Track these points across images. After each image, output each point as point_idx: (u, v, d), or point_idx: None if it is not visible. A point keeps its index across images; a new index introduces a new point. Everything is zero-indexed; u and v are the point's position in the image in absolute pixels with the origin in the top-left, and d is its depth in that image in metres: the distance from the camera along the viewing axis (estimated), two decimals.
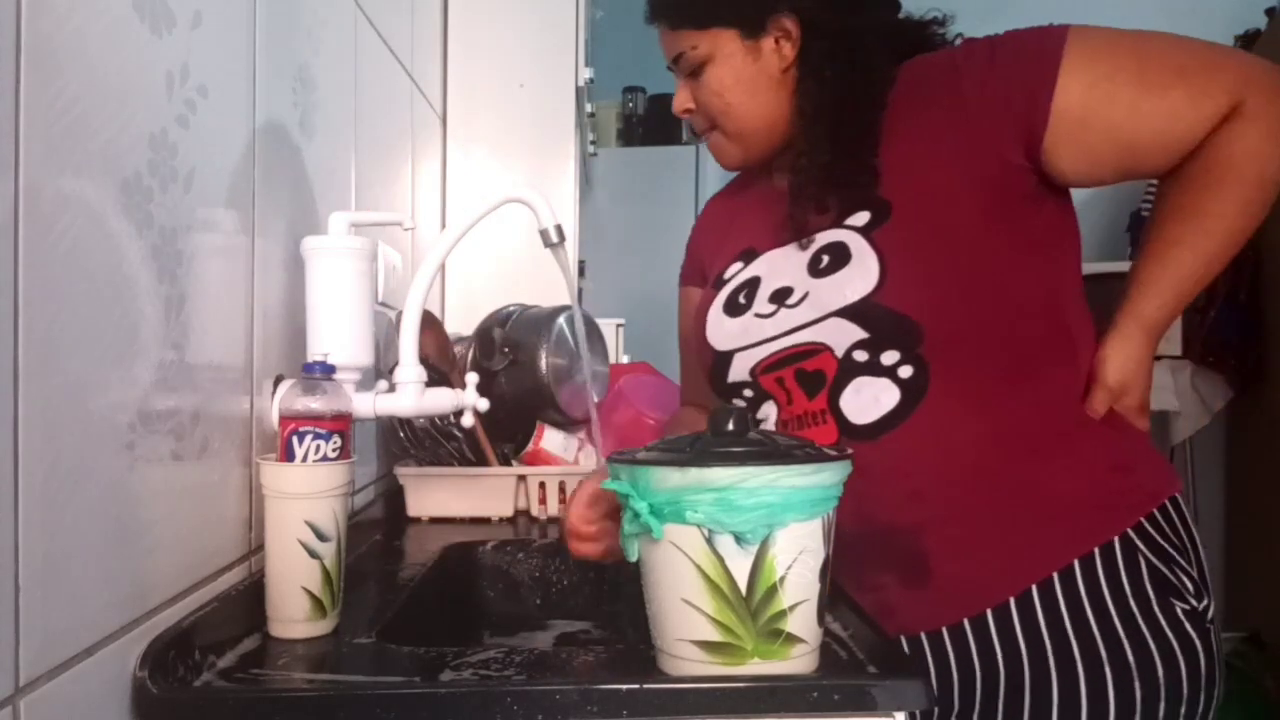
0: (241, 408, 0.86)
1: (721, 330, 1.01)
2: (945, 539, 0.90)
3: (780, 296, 0.96)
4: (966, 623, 0.90)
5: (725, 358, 1.00)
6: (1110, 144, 0.88)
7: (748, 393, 0.99)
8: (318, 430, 0.80)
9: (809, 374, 0.93)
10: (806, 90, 0.96)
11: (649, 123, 3.22)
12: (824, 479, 0.67)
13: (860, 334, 0.90)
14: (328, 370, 0.84)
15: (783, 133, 1.00)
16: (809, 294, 0.93)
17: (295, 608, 0.80)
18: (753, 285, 1.00)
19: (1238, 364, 2.70)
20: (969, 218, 0.89)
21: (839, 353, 0.91)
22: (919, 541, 0.90)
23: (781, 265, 0.98)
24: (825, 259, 0.93)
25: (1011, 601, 0.88)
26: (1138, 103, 0.86)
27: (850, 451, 0.70)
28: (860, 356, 0.90)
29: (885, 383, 0.90)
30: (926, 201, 0.91)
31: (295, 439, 0.80)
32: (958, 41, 1.00)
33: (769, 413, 0.98)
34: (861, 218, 0.92)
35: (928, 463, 0.89)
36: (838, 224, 0.94)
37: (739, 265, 1.04)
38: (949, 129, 0.91)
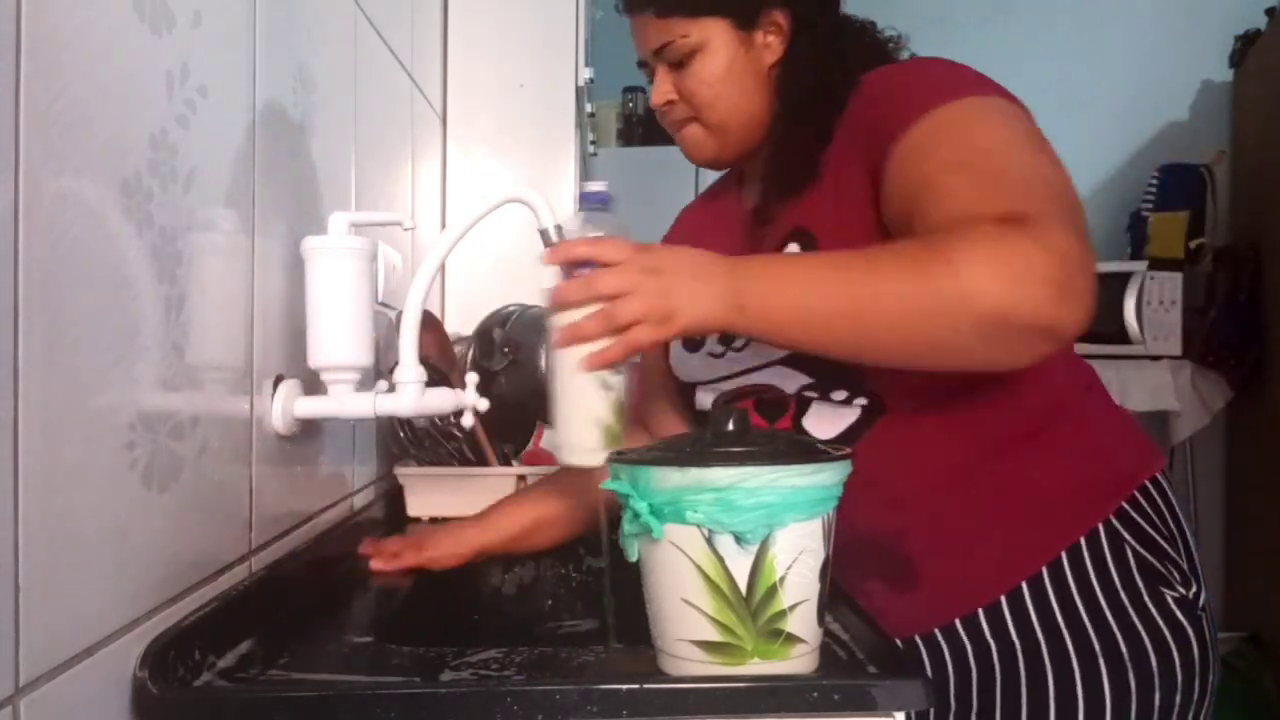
0: (241, 408, 0.86)
1: (684, 364, 1.04)
2: (930, 542, 0.90)
3: (726, 338, 0.97)
4: (958, 623, 0.90)
5: (690, 389, 1.03)
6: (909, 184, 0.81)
7: None
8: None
9: (769, 402, 0.95)
10: (787, 87, 0.95)
11: (649, 123, 3.21)
12: (824, 479, 0.67)
13: (804, 379, 0.91)
14: (603, 200, 0.86)
15: (759, 131, 0.97)
16: (750, 339, 0.93)
17: (589, 437, 0.80)
18: None
19: (1238, 364, 2.71)
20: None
21: (790, 392, 0.93)
22: (903, 546, 0.91)
23: None
24: None
25: (1003, 599, 0.88)
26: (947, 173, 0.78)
27: (850, 451, 0.70)
28: (811, 394, 0.92)
29: (843, 408, 0.91)
30: (845, 231, 0.87)
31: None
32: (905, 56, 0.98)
33: None
34: (793, 249, 0.91)
35: (900, 470, 0.90)
36: None
37: None
38: (865, 152, 0.86)
